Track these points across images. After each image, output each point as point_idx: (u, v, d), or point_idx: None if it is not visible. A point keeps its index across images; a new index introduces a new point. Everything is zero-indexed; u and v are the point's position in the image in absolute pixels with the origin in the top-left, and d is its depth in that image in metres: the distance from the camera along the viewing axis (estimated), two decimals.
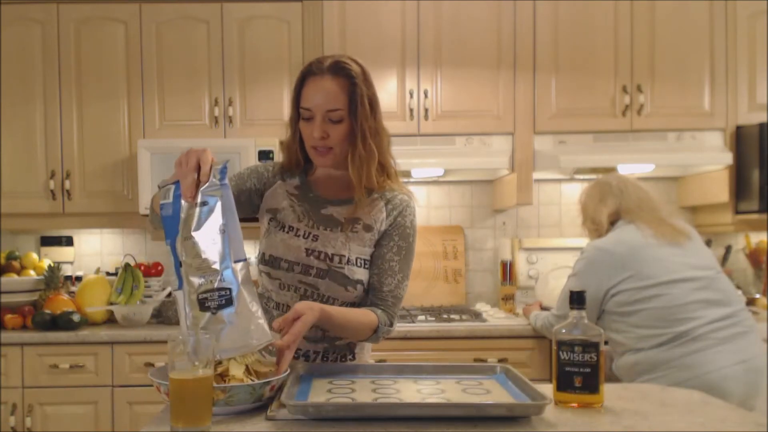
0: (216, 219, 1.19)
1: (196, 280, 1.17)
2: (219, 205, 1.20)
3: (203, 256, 1.17)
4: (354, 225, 1.48)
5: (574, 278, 2.15)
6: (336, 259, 1.45)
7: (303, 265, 1.46)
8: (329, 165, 1.48)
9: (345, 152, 1.45)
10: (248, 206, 1.56)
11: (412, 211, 1.53)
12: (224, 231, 1.20)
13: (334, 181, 1.53)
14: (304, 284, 1.46)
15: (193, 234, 1.18)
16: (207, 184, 1.21)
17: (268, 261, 1.49)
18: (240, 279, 1.19)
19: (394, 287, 1.49)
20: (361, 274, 1.47)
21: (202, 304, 1.16)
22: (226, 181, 1.24)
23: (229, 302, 1.17)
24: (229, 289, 1.18)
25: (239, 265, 1.20)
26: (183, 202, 1.20)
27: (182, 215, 1.19)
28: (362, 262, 1.47)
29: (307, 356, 1.50)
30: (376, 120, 1.46)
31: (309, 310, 1.29)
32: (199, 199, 1.20)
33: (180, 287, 1.20)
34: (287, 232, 1.49)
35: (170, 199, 1.22)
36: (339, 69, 1.43)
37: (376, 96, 1.48)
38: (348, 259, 1.46)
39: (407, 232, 1.50)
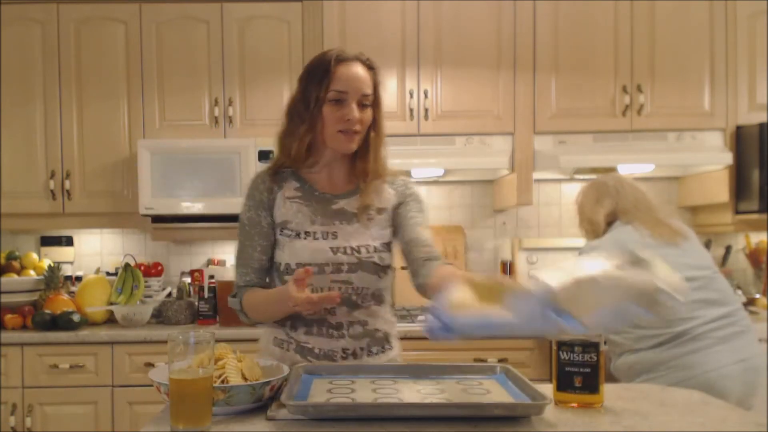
0: None
1: None
2: None
3: None
4: (368, 212, 1.50)
5: None
6: (363, 250, 1.46)
7: (333, 264, 1.45)
8: (352, 149, 1.50)
9: (363, 138, 1.50)
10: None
11: (415, 187, 1.59)
12: None
13: (335, 176, 1.54)
14: (337, 282, 1.45)
15: None
16: None
17: (295, 270, 1.45)
18: None
19: (430, 239, 1.51)
20: (389, 258, 1.51)
21: None
22: None
23: None
24: None
25: None
26: None
27: None
28: (385, 245, 1.50)
29: (355, 354, 1.48)
30: None
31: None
32: None
33: None
34: (305, 239, 1.47)
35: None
36: (364, 60, 1.50)
37: None
38: (375, 247, 1.48)
39: (418, 197, 1.57)
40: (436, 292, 1.23)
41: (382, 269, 1.49)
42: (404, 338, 2.55)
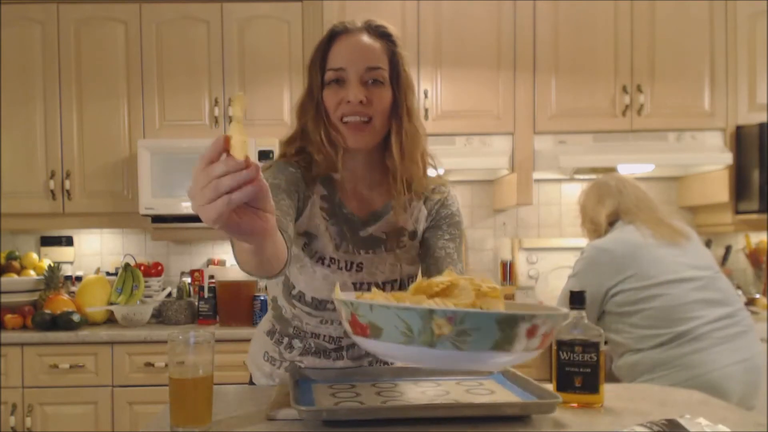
0: None
1: None
2: None
3: None
4: (399, 238, 1.27)
5: (574, 278, 2.15)
6: (388, 287, 1.25)
7: None
8: (365, 144, 1.19)
9: (384, 130, 1.19)
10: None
11: (454, 200, 1.32)
12: None
13: (363, 188, 1.27)
14: None
15: None
16: None
17: (310, 303, 1.25)
18: None
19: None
20: None
21: None
22: None
23: None
24: None
25: None
26: None
27: None
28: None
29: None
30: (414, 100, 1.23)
31: None
32: None
33: None
34: (327, 267, 1.23)
35: None
36: (375, 29, 1.21)
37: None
38: (400, 283, 1.27)
39: (456, 219, 1.30)
40: None
41: None
42: None
